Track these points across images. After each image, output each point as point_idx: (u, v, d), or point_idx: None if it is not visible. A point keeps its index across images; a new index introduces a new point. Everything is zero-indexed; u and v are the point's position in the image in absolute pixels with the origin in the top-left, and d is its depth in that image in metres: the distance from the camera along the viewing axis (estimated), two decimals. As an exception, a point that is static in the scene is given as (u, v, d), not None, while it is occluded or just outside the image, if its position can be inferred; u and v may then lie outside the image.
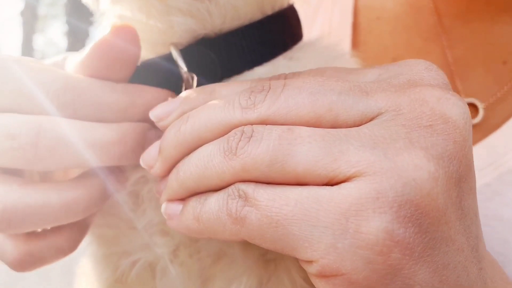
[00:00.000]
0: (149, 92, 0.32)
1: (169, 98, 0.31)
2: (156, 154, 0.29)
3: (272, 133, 0.24)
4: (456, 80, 0.49)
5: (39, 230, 0.31)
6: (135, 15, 0.33)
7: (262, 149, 0.23)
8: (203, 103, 0.28)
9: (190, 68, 0.32)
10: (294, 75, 0.28)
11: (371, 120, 0.24)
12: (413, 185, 0.21)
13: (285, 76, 0.28)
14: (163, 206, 0.29)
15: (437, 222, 0.22)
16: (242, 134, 0.24)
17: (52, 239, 0.31)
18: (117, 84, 0.31)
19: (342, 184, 0.22)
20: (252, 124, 0.25)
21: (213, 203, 0.25)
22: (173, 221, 0.28)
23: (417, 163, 0.22)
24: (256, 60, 0.33)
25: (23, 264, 0.31)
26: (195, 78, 0.32)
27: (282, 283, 0.32)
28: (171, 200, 0.28)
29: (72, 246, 0.32)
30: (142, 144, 0.31)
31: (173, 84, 0.33)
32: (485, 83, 0.48)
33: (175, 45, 0.33)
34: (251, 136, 0.24)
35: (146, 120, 0.31)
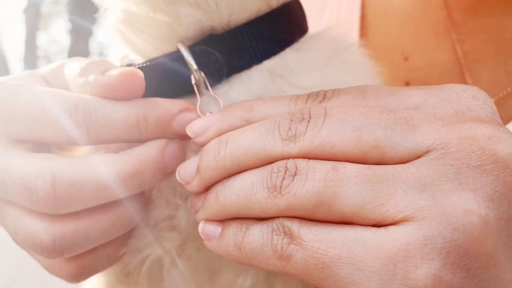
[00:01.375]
0: (161, 104, 0.31)
1: (185, 105, 0.31)
2: (193, 170, 0.29)
3: (316, 172, 0.23)
4: (466, 74, 0.48)
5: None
6: (140, 8, 0.32)
7: (307, 190, 0.23)
8: (240, 120, 0.28)
9: (197, 67, 0.32)
10: (334, 93, 0.27)
11: (418, 157, 0.23)
12: (463, 231, 0.21)
13: (324, 94, 0.27)
14: (201, 225, 0.29)
15: (486, 265, 0.21)
16: (285, 171, 0.24)
17: (102, 250, 0.32)
18: (128, 100, 0.31)
19: (390, 228, 0.22)
20: (293, 157, 0.24)
21: (257, 235, 0.25)
22: (211, 243, 0.28)
23: (467, 207, 0.21)
24: (265, 54, 0.33)
25: (78, 277, 0.32)
26: (204, 76, 0.32)
27: (289, 276, 0.32)
28: (208, 220, 0.28)
29: (120, 253, 0.34)
30: (162, 165, 0.30)
31: (181, 84, 0.33)
32: (495, 77, 0.48)
33: (182, 42, 0.32)
34: (295, 174, 0.24)
35: (161, 133, 0.30)
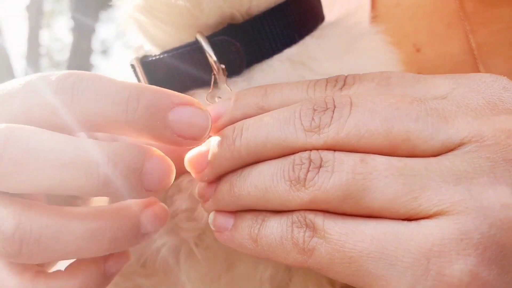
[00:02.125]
0: (162, 90, 0.26)
1: (194, 101, 0.27)
2: (205, 160, 0.27)
3: (343, 164, 0.22)
4: (480, 66, 0.48)
5: (50, 269, 0.29)
6: None
7: (334, 183, 0.22)
8: (255, 109, 0.27)
9: (216, 58, 0.32)
10: (355, 79, 0.26)
11: (451, 150, 0.22)
12: (500, 226, 0.20)
13: (344, 80, 0.26)
14: (211, 216, 0.28)
15: None
16: (310, 163, 0.23)
17: (63, 281, 0.27)
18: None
19: (422, 221, 0.21)
20: (318, 149, 0.23)
21: (275, 227, 0.24)
22: (222, 235, 0.27)
23: (504, 201, 0.21)
24: (285, 43, 0.33)
25: None
26: (225, 69, 0.31)
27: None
28: (220, 211, 0.27)
29: None
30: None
31: (199, 76, 0.32)
32: (510, 68, 0.47)
33: (201, 33, 0.32)
34: (320, 166, 0.23)
35: (151, 120, 0.25)
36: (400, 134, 0.22)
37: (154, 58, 0.33)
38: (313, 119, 0.23)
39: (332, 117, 0.23)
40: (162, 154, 0.26)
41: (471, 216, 0.20)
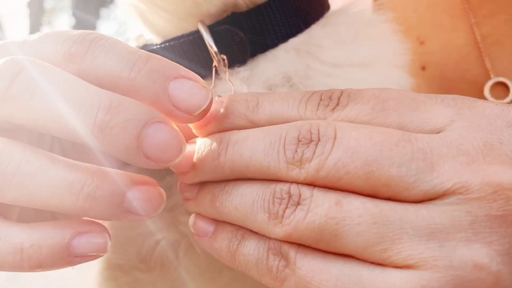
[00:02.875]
0: (169, 61, 0.26)
1: (199, 79, 0.26)
2: (189, 163, 0.27)
3: (319, 206, 0.22)
4: (485, 58, 0.47)
5: None
6: None
7: (308, 224, 0.22)
8: (244, 121, 0.26)
9: (218, 48, 0.31)
10: (350, 99, 0.25)
11: (433, 199, 0.21)
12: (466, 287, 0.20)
13: (338, 99, 0.25)
14: (191, 219, 0.28)
15: None
16: (289, 199, 0.23)
17: (16, 230, 0.25)
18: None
19: (388, 270, 0.21)
20: (298, 183, 0.23)
21: (253, 249, 0.25)
22: (202, 240, 0.27)
23: (477, 261, 0.20)
24: (290, 32, 0.32)
25: None
26: (226, 60, 0.31)
27: None
28: (201, 216, 0.27)
29: None
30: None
31: (201, 66, 0.32)
32: None
33: (203, 22, 0.31)
34: (298, 203, 0.23)
35: (153, 83, 0.25)
36: (380, 180, 0.21)
37: (154, 47, 0.32)
38: (296, 151, 0.23)
39: (314, 151, 0.23)
40: (172, 123, 0.25)
41: (438, 274, 0.20)
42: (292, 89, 0.32)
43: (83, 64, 0.25)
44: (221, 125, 0.27)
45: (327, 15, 0.35)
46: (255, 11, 0.31)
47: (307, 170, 0.23)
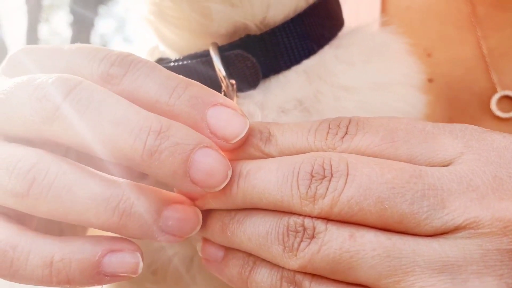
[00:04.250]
0: (202, 86, 0.26)
1: (235, 105, 0.27)
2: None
3: (333, 240, 0.22)
4: (492, 71, 0.48)
5: None
6: (172, 2, 0.31)
7: (322, 257, 0.23)
8: (258, 152, 0.26)
9: (229, 72, 0.31)
10: (358, 128, 0.25)
11: (445, 233, 0.22)
12: None
13: (346, 127, 0.25)
14: (200, 244, 0.28)
15: None
16: (304, 233, 0.23)
17: (49, 243, 0.25)
18: None
19: None
20: (312, 217, 0.23)
21: (266, 276, 0.25)
22: (211, 265, 0.27)
23: None
24: (303, 55, 0.32)
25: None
26: (235, 85, 0.31)
27: None
28: (209, 241, 0.27)
29: None
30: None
31: (214, 87, 0.32)
32: None
33: (215, 44, 0.31)
34: (312, 237, 0.23)
35: (192, 109, 0.25)
36: (393, 217, 0.22)
37: (168, 64, 0.32)
38: (309, 187, 0.23)
39: (327, 188, 0.23)
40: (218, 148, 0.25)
41: None
42: (304, 113, 0.32)
43: (121, 86, 0.25)
44: (234, 154, 0.27)
45: (341, 35, 0.35)
46: (269, 34, 0.31)
47: (321, 206, 0.23)
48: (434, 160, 0.23)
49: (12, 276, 0.25)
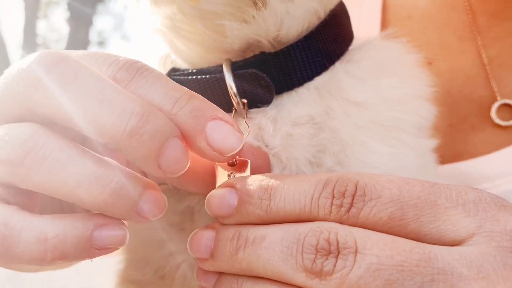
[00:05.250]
0: (204, 100, 0.27)
1: (232, 120, 0.28)
2: (207, 251, 0.27)
3: None
4: (492, 80, 0.48)
5: None
6: (185, 17, 0.32)
7: None
8: (259, 211, 0.26)
9: (243, 90, 0.32)
10: (365, 200, 0.24)
11: None
12: None
13: (352, 196, 0.24)
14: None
15: None
16: None
17: (42, 222, 0.26)
18: None
19: None
20: None
21: None
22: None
23: None
24: (316, 71, 0.33)
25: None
26: (246, 104, 0.32)
27: None
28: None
29: None
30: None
31: (225, 102, 0.32)
32: None
33: (228, 61, 0.32)
34: None
35: (193, 120, 0.26)
36: None
37: (181, 77, 0.33)
38: (314, 261, 0.23)
39: (335, 265, 0.22)
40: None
41: None
42: (316, 129, 0.32)
43: (127, 90, 0.26)
44: (237, 221, 0.27)
45: (351, 49, 0.35)
46: (283, 52, 0.32)
47: (328, 283, 0.22)
48: (443, 240, 0.23)
49: (4, 254, 0.25)
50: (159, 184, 0.35)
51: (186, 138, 0.26)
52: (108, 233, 0.25)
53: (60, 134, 0.26)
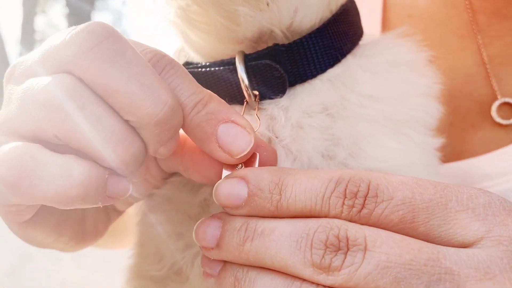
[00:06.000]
0: (219, 102, 0.28)
1: (246, 122, 0.28)
2: (213, 240, 0.27)
3: None
4: (492, 79, 0.48)
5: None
6: (199, 6, 0.32)
7: None
8: (270, 205, 0.26)
9: (256, 81, 0.32)
10: (378, 198, 0.24)
11: None
12: None
13: (365, 197, 0.24)
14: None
15: None
16: None
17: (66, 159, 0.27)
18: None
19: None
20: (323, 286, 0.23)
21: None
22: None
23: None
24: (329, 63, 0.33)
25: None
26: (258, 96, 0.32)
27: None
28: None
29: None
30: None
31: (236, 95, 0.33)
32: None
33: (241, 53, 0.32)
34: None
35: (206, 124, 0.27)
36: None
37: (194, 70, 0.33)
38: (323, 257, 0.23)
39: (343, 261, 0.23)
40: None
41: None
42: (329, 117, 0.32)
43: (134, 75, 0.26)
44: (247, 212, 0.27)
45: (362, 44, 0.36)
46: (297, 44, 0.32)
47: (335, 278, 0.22)
48: (452, 242, 0.23)
49: (29, 187, 0.25)
50: (162, 180, 0.35)
51: (198, 140, 0.28)
52: (118, 182, 0.27)
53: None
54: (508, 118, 0.47)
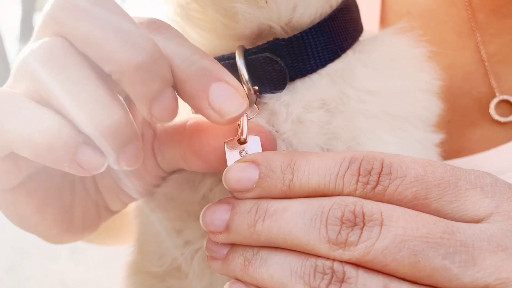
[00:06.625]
0: (214, 62, 0.28)
1: (240, 87, 0.28)
2: (221, 225, 0.27)
3: (366, 287, 0.22)
4: (491, 76, 0.48)
5: None
6: (198, 3, 0.32)
7: None
8: (282, 185, 0.26)
9: (257, 75, 0.32)
10: (391, 177, 0.24)
11: None
12: None
13: (379, 174, 0.25)
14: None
15: None
16: (332, 276, 0.23)
17: None
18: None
19: None
20: (340, 261, 0.23)
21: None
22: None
23: None
24: (329, 58, 0.33)
25: None
26: (258, 90, 0.32)
27: None
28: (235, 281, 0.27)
29: None
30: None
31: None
32: None
33: (241, 47, 0.32)
34: (343, 281, 0.23)
35: (201, 81, 0.27)
36: (425, 270, 0.22)
37: None
38: (339, 233, 0.23)
39: (360, 236, 0.23)
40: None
41: None
42: (328, 113, 0.32)
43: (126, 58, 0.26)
44: (258, 194, 0.27)
45: (362, 40, 0.36)
46: (297, 38, 0.32)
47: (352, 253, 0.23)
48: (464, 218, 0.24)
49: None
50: (162, 177, 0.35)
51: (188, 95, 0.27)
52: (91, 152, 0.26)
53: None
54: (506, 116, 0.47)
